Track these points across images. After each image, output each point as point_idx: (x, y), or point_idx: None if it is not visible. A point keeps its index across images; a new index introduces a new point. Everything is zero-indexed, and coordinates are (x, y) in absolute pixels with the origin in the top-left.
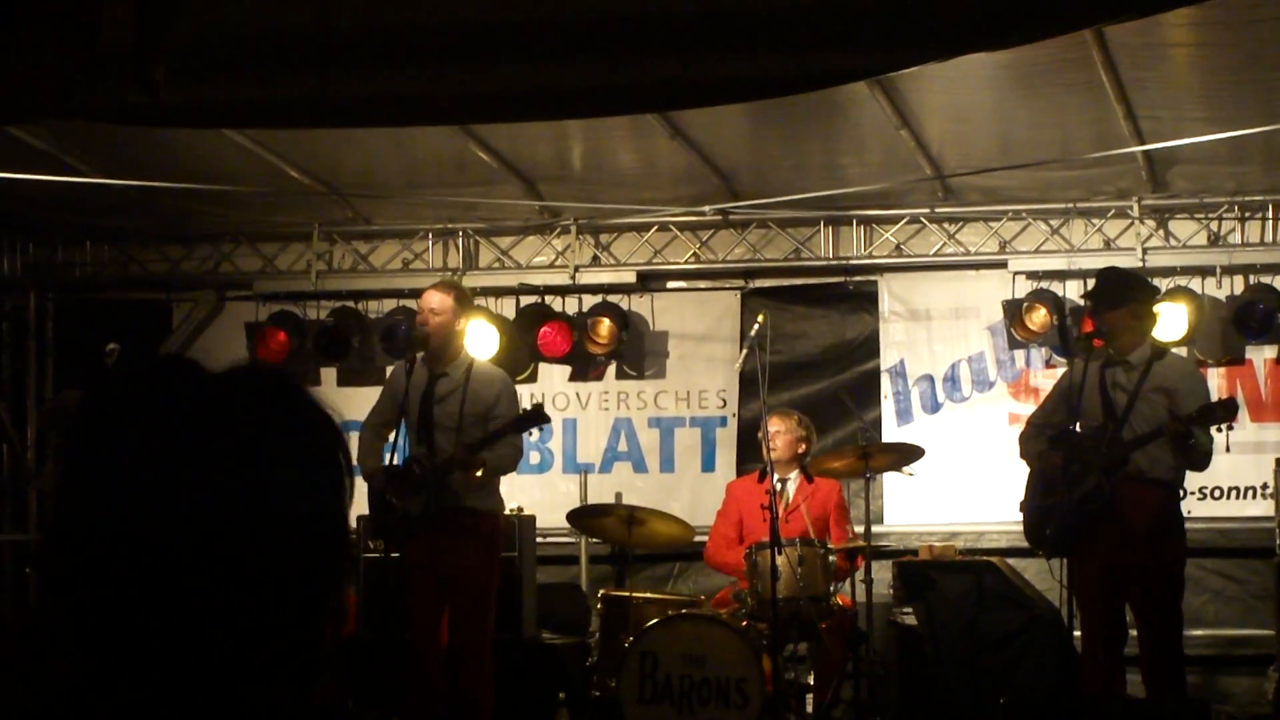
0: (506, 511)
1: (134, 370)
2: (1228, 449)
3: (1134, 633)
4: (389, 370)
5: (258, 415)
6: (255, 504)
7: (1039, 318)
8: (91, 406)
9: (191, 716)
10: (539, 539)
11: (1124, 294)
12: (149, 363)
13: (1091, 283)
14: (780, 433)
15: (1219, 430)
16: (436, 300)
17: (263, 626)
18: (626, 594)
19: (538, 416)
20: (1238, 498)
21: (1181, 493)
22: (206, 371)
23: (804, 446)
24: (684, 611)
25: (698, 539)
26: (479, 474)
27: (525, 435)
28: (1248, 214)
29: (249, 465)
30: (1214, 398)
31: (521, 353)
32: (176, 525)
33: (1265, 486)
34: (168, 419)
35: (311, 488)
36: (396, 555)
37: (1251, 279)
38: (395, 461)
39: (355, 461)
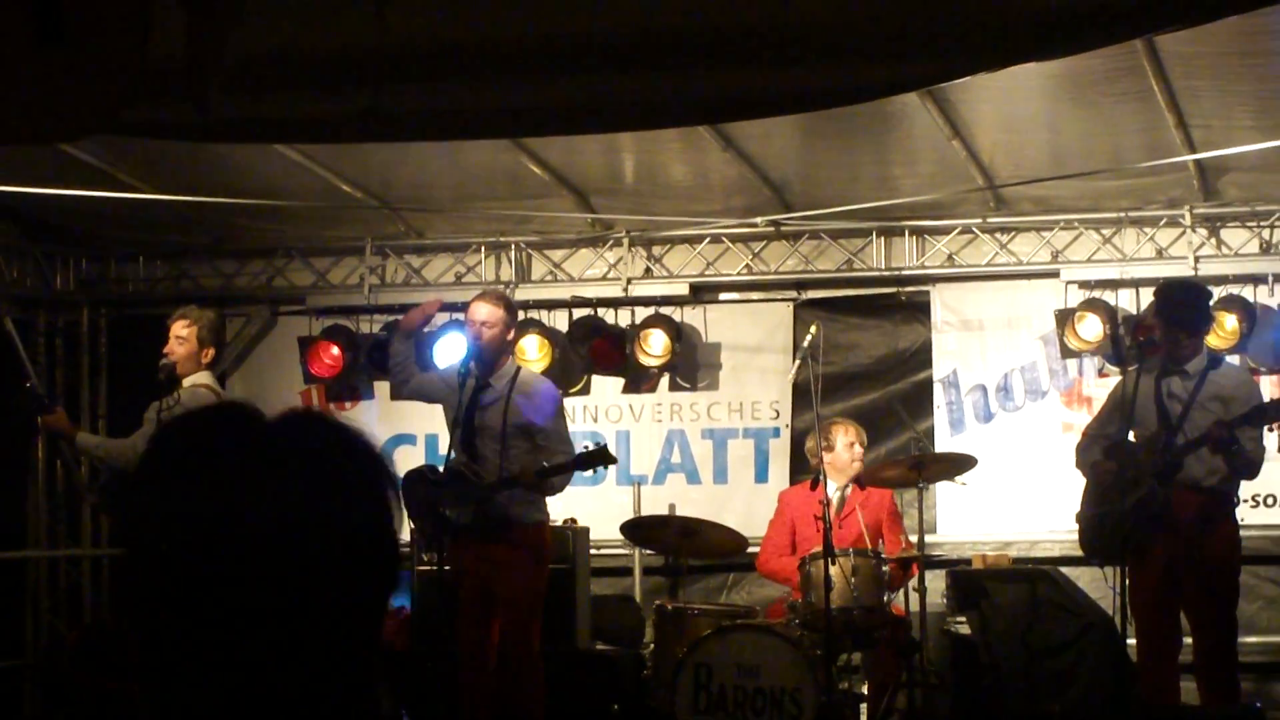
0: (561, 523)
1: (200, 413)
2: None
3: (1189, 640)
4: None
5: (311, 451)
6: (306, 526)
7: (1092, 327)
8: (162, 446)
9: None
10: (593, 551)
11: (1188, 311)
12: (208, 409)
13: (1146, 292)
14: (854, 444)
15: (1270, 430)
16: (486, 312)
17: (316, 643)
18: (681, 605)
19: (603, 457)
20: None
21: (1235, 500)
22: (263, 415)
23: (862, 455)
24: (738, 622)
25: (751, 550)
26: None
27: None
28: None
29: (305, 494)
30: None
31: (574, 365)
32: (239, 552)
33: None
34: (230, 455)
35: (360, 514)
36: (448, 569)
37: None
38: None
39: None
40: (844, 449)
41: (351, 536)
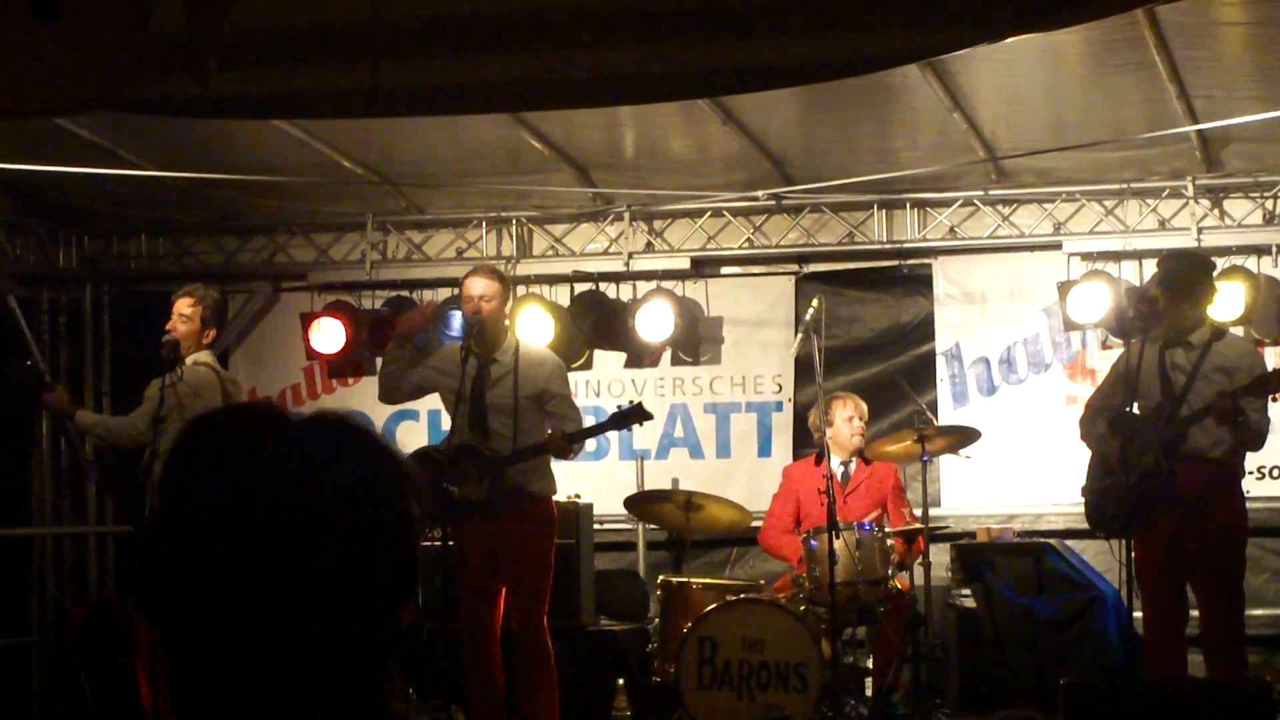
0: (564, 498)
1: (219, 414)
2: None
3: (1195, 612)
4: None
5: (332, 450)
6: (328, 528)
7: (1094, 299)
8: (182, 447)
9: (273, 714)
10: (596, 526)
11: (1191, 282)
12: (231, 408)
13: (1149, 264)
14: (853, 418)
15: (1275, 400)
16: (483, 286)
17: (337, 643)
18: (685, 580)
19: (639, 413)
20: None
21: (1241, 472)
22: (284, 415)
23: (864, 429)
24: (742, 596)
25: (754, 524)
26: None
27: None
28: None
29: (323, 493)
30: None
31: (576, 340)
32: (257, 549)
33: None
34: (251, 454)
35: (379, 514)
36: (453, 544)
37: None
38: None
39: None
40: (843, 423)
41: (372, 538)
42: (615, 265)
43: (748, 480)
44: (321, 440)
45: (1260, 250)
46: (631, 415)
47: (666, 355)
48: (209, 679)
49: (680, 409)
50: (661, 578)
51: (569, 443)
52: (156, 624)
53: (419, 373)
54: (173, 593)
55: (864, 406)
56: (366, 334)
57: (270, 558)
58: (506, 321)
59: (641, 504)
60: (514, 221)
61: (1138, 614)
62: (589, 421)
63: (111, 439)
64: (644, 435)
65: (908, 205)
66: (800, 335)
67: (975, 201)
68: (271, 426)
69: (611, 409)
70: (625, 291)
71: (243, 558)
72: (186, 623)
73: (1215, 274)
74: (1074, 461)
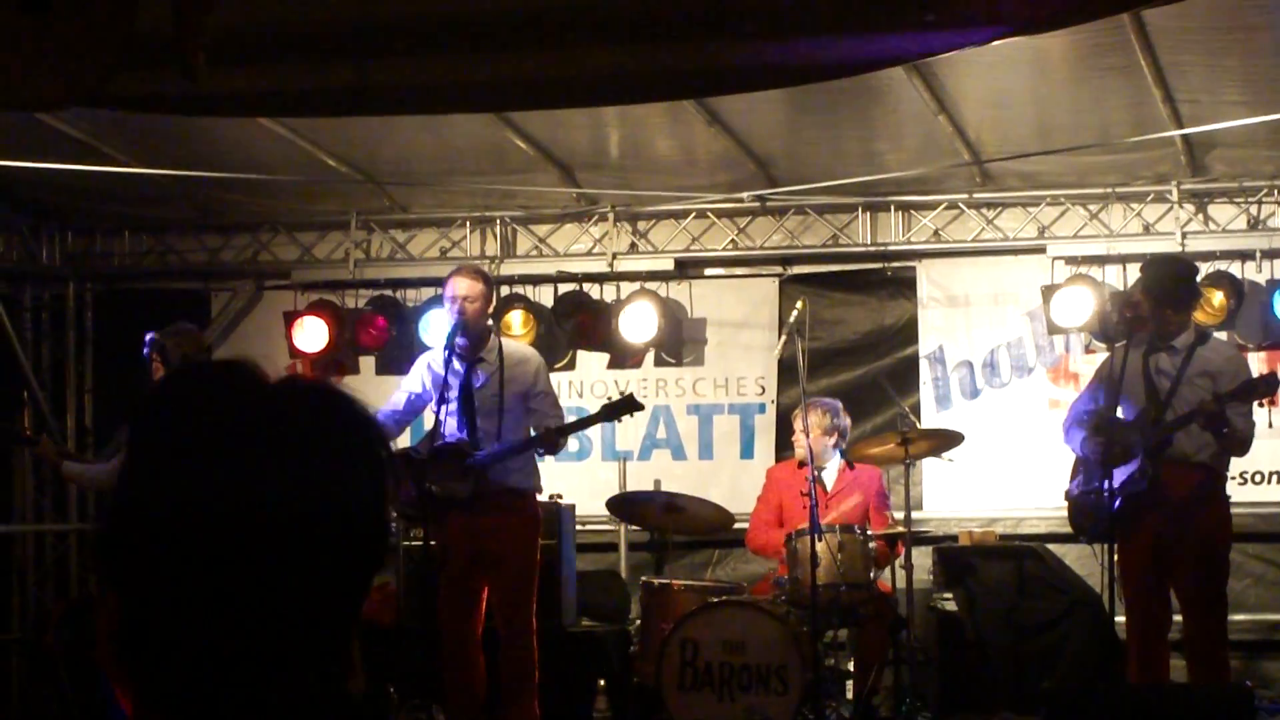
0: (546, 499)
1: (196, 370)
2: (1270, 425)
3: (1178, 617)
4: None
5: (308, 415)
6: (300, 495)
7: (1079, 303)
8: (155, 403)
9: (233, 701)
10: (578, 527)
11: (1175, 286)
12: (209, 364)
13: (1133, 268)
14: (806, 430)
15: (1260, 405)
16: (466, 286)
17: (303, 614)
18: (667, 581)
19: (629, 404)
20: (1279, 482)
21: (1225, 476)
22: (262, 376)
23: (835, 436)
24: (724, 599)
25: (737, 526)
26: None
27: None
28: None
29: (297, 460)
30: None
31: (559, 341)
32: (227, 514)
33: None
34: (225, 415)
35: (354, 484)
36: (435, 543)
37: None
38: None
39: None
40: (800, 434)
41: (345, 508)
42: (599, 266)
43: (730, 482)
44: (298, 405)
45: (1244, 255)
46: (622, 407)
47: (650, 356)
48: (167, 648)
49: (663, 410)
50: (643, 579)
51: (559, 436)
52: (116, 586)
53: (409, 404)
54: (135, 556)
55: (827, 419)
56: (350, 333)
57: (240, 524)
58: (490, 321)
59: (623, 505)
60: (498, 221)
61: (1120, 618)
62: (570, 418)
63: (97, 487)
64: (626, 436)
65: (892, 208)
66: (784, 337)
67: (960, 205)
68: (250, 388)
69: (594, 410)
70: (609, 292)
71: (210, 522)
72: (147, 589)
73: (1199, 279)
74: (1057, 465)
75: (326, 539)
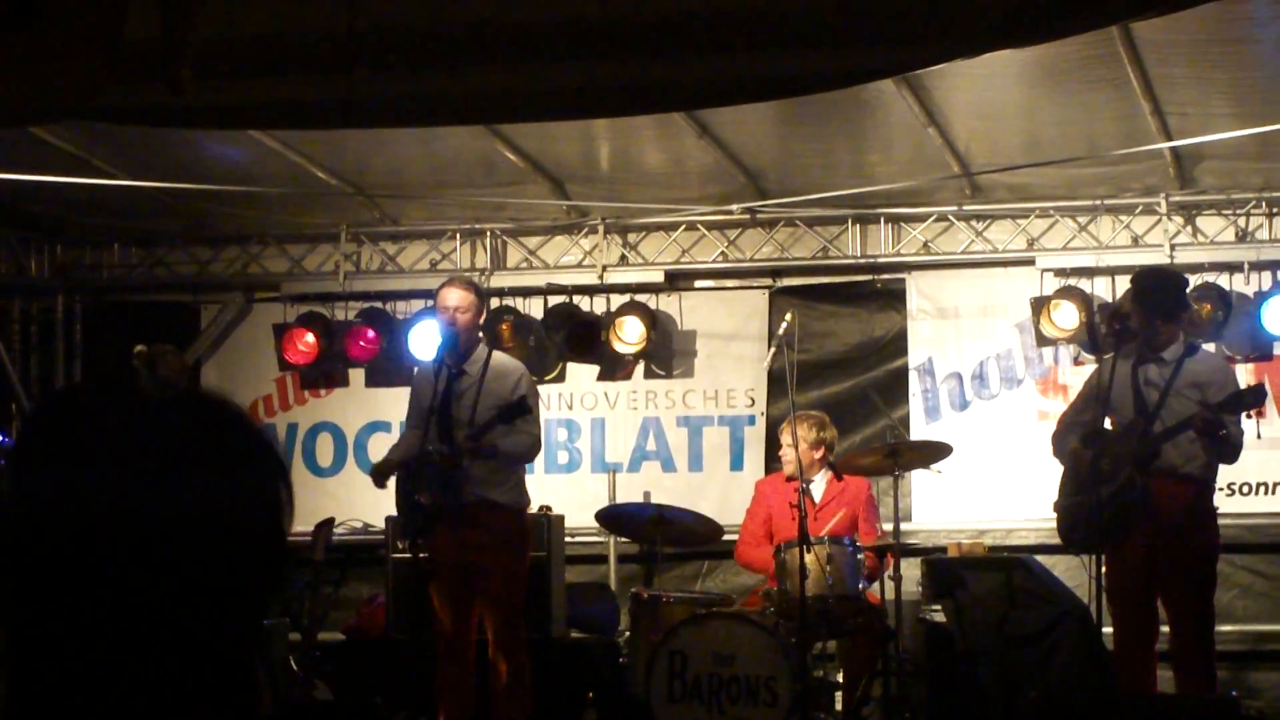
0: (535, 510)
1: (73, 390)
2: (1259, 435)
3: (1165, 628)
4: (415, 371)
5: (191, 431)
6: (182, 509)
7: (1067, 315)
8: (43, 422)
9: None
10: (567, 538)
11: (1164, 298)
12: (86, 386)
13: (1122, 280)
14: (793, 445)
15: (1249, 416)
16: (458, 297)
17: (198, 632)
18: (656, 593)
19: (519, 407)
20: (1266, 493)
21: (1213, 488)
22: (148, 396)
23: (822, 449)
24: (713, 610)
25: (726, 538)
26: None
27: (543, 427)
28: (1275, 210)
29: (188, 478)
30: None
31: (549, 353)
32: (116, 532)
33: None
34: (103, 432)
35: (242, 498)
36: (424, 555)
37: (1279, 274)
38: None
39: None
40: (788, 448)
41: (232, 522)
42: (589, 278)
43: (719, 494)
44: (184, 426)
45: (1232, 267)
46: (518, 407)
47: (639, 368)
48: (58, 679)
49: (653, 422)
50: (632, 590)
51: (475, 439)
52: (2, 621)
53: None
54: (19, 586)
55: (814, 432)
56: (339, 345)
57: (123, 551)
58: (480, 333)
59: (613, 517)
60: (488, 234)
61: (1107, 629)
62: (560, 434)
63: None
64: (616, 448)
65: (882, 220)
66: (773, 349)
67: (949, 217)
68: (132, 411)
69: (584, 422)
70: (599, 304)
71: (93, 550)
72: (33, 619)
73: (1188, 290)
74: (1046, 477)
75: (213, 553)
